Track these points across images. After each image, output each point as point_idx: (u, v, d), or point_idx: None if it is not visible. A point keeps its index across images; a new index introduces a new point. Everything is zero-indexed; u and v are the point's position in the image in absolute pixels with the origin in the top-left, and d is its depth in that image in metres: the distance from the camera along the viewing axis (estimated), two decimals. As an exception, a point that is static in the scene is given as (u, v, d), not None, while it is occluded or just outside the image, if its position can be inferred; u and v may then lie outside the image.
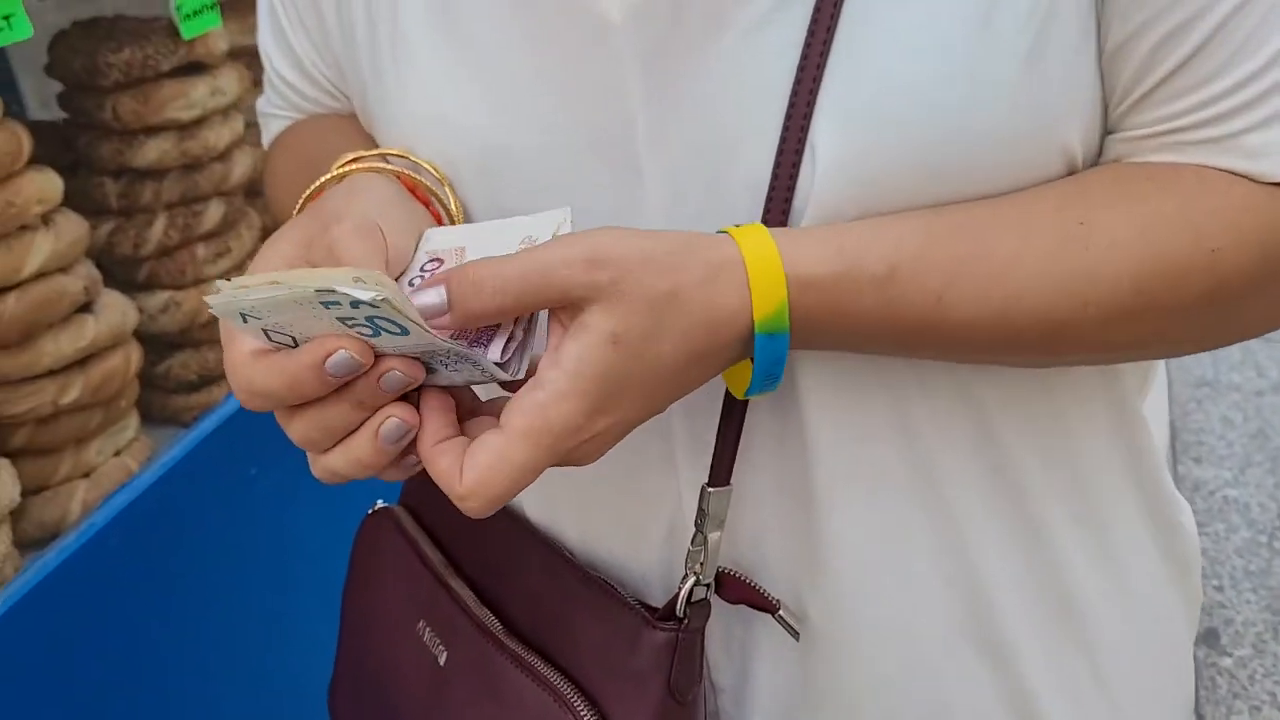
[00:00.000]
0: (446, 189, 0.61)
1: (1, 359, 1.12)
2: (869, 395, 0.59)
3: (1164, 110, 0.53)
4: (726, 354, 0.52)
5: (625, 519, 0.66)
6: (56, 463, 1.21)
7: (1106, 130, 0.56)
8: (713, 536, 0.59)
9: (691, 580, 0.60)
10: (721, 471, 0.58)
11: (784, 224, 0.53)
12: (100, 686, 1.16)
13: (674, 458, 0.63)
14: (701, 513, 0.59)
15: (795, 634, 0.63)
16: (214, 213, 1.37)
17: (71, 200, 1.18)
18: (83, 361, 1.19)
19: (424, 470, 0.75)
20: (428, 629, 0.70)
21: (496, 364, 0.50)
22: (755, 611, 0.63)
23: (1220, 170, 0.53)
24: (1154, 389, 0.68)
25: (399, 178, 0.60)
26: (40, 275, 1.12)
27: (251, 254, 1.44)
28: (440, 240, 0.56)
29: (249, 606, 1.36)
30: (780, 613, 0.62)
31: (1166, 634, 0.70)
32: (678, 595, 0.60)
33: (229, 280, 0.47)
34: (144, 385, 1.32)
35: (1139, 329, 0.53)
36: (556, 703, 0.62)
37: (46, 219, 1.14)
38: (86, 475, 1.23)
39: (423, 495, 0.76)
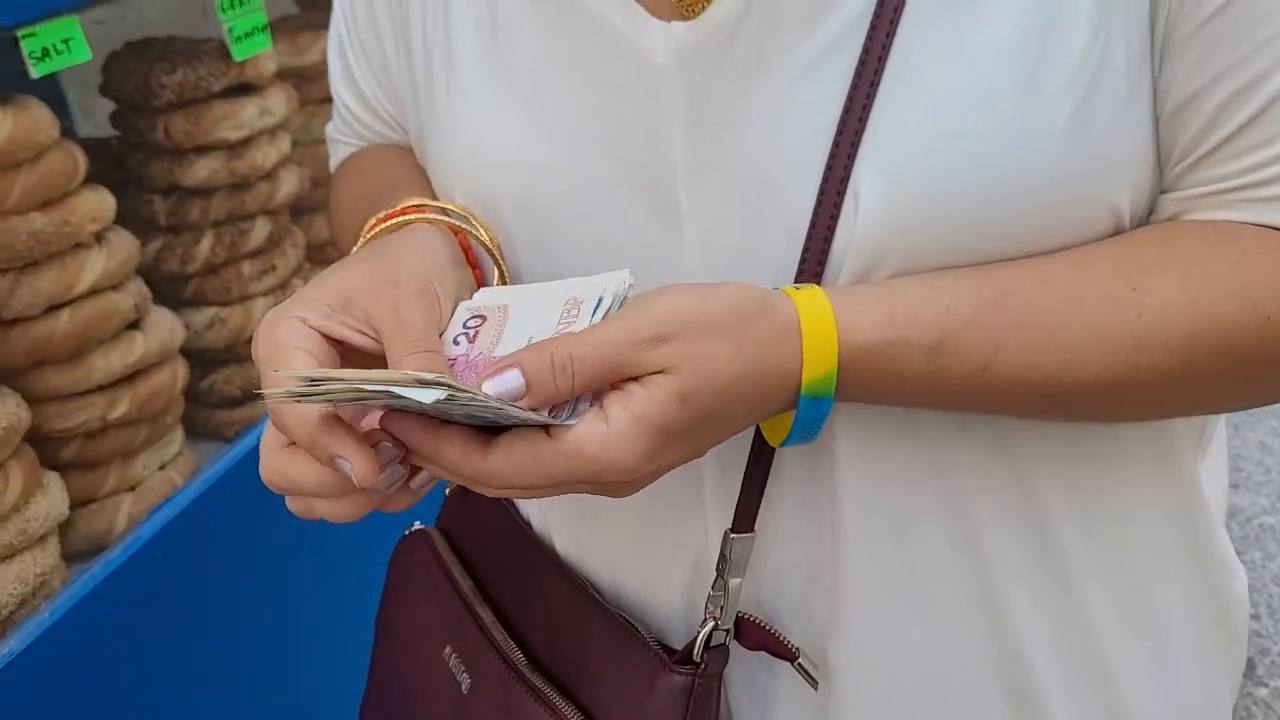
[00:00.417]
0: (497, 253, 0.63)
1: (53, 374, 1.14)
2: (903, 444, 0.59)
3: (1227, 168, 0.53)
4: (774, 409, 0.53)
5: (651, 559, 0.66)
6: (103, 476, 1.23)
7: (1161, 189, 0.56)
8: (733, 582, 0.59)
9: (710, 625, 0.60)
10: (746, 517, 0.58)
11: (820, 271, 0.54)
12: (143, 697, 1.17)
13: (702, 501, 0.63)
14: (723, 558, 0.59)
15: (814, 683, 0.63)
16: (260, 231, 1.39)
17: (120, 218, 1.20)
18: (131, 377, 1.21)
19: (458, 495, 0.77)
20: (454, 655, 0.71)
21: (561, 422, 0.51)
22: (774, 658, 0.63)
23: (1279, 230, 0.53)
24: (1215, 446, 0.67)
25: (456, 234, 0.62)
26: (92, 292, 1.14)
27: (295, 272, 1.46)
28: (483, 298, 0.57)
29: (287, 620, 1.38)
30: (799, 661, 0.62)
31: (1205, 705, 0.68)
32: (695, 639, 0.60)
33: (288, 371, 0.49)
34: (188, 400, 1.34)
35: (1188, 392, 0.53)
36: None
37: (99, 237, 1.16)
38: (132, 489, 1.25)
39: (458, 519, 0.77)
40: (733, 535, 0.58)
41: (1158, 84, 0.53)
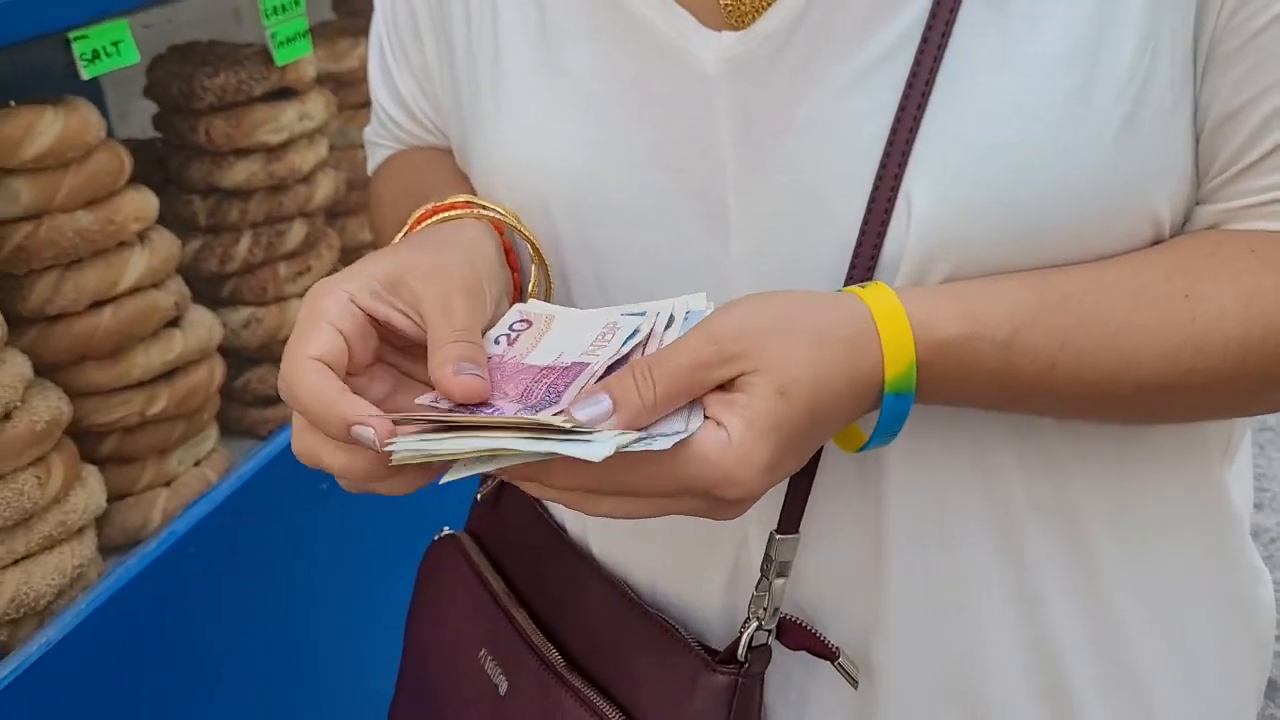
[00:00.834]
0: (542, 255, 0.63)
1: (94, 370, 1.16)
2: (948, 447, 0.60)
3: (1269, 180, 0.54)
4: (863, 407, 0.53)
5: (691, 561, 0.67)
6: (140, 471, 1.25)
7: (1196, 200, 0.57)
8: (777, 583, 0.60)
9: (754, 625, 0.60)
10: (792, 518, 0.59)
11: (868, 278, 0.55)
12: (175, 688, 1.19)
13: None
14: (768, 559, 0.60)
15: (854, 682, 0.63)
16: (296, 233, 1.41)
17: (161, 218, 1.23)
18: (169, 374, 1.23)
19: (489, 500, 0.77)
20: (489, 658, 0.71)
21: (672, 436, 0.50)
22: (815, 658, 0.63)
23: None
24: (1241, 454, 0.68)
25: (500, 232, 0.63)
26: (134, 290, 1.16)
27: (330, 273, 1.48)
28: (536, 306, 0.58)
29: (317, 618, 1.39)
30: (840, 660, 0.62)
31: (1230, 710, 0.69)
32: (739, 639, 0.60)
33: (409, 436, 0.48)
34: (222, 398, 1.36)
35: (1238, 394, 0.55)
36: None
37: (142, 236, 1.18)
38: (168, 484, 1.27)
39: (489, 524, 0.78)
40: (778, 536, 0.59)
41: (1199, 97, 0.54)
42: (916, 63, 0.53)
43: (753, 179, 0.57)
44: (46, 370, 1.12)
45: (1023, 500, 0.61)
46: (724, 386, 0.51)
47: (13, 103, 1.06)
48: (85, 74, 1.06)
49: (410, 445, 0.47)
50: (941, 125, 0.53)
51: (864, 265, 0.55)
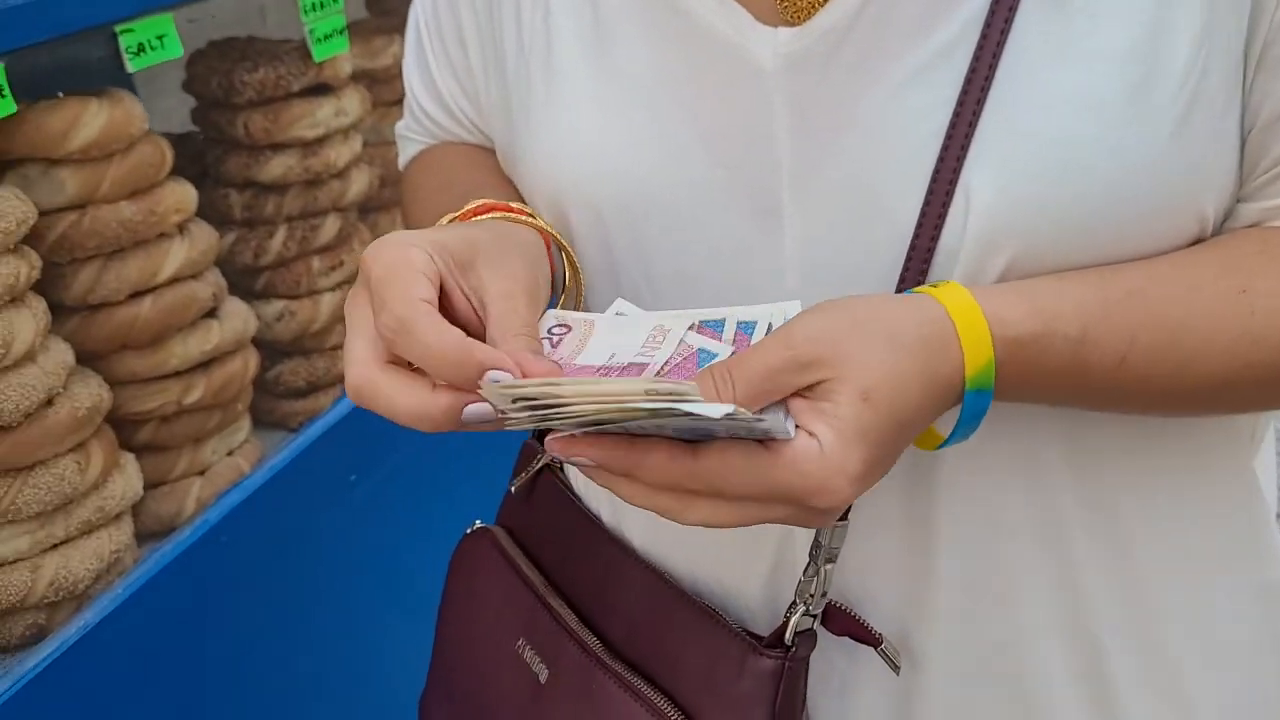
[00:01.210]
0: (573, 275, 0.63)
1: (133, 359, 1.18)
2: (999, 440, 0.60)
3: None
4: (945, 405, 0.53)
5: (734, 547, 0.67)
6: (174, 460, 1.26)
7: (1239, 197, 0.58)
8: (826, 568, 0.61)
9: (801, 609, 0.61)
10: None
11: (925, 271, 0.56)
12: (207, 673, 1.21)
13: None
14: (817, 545, 0.60)
15: (896, 668, 0.64)
16: (330, 227, 1.43)
17: (198, 211, 1.24)
18: (205, 364, 1.25)
19: (522, 492, 0.78)
20: (527, 647, 0.72)
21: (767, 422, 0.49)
22: (856, 645, 0.64)
23: None
24: (1267, 445, 0.69)
25: (545, 240, 0.62)
26: (174, 281, 1.18)
27: (362, 268, 1.49)
28: (571, 314, 0.58)
29: (346, 606, 1.41)
30: (883, 646, 0.63)
31: (1260, 696, 0.70)
32: (786, 623, 0.61)
33: (498, 386, 0.48)
34: (254, 390, 1.38)
35: None
36: None
37: (182, 228, 1.20)
38: (201, 473, 1.29)
39: (522, 517, 0.78)
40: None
41: (1248, 98, 0.55)
42: (976, 57, 0.54)
43: (808, 175, 0.58)
44: (86, 359, 1.14)
45: (1067, 493, 0.62)
46: (807, 393, 0.50)
47: (61, 93, 1.07)
48: (130, 67, 1.08)
49: (534, 388, 0.46)
50: (1001, 119, 0.54)
51: (920, 259, 0.55)
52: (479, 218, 0.62)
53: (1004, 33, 0.54)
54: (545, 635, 0.71)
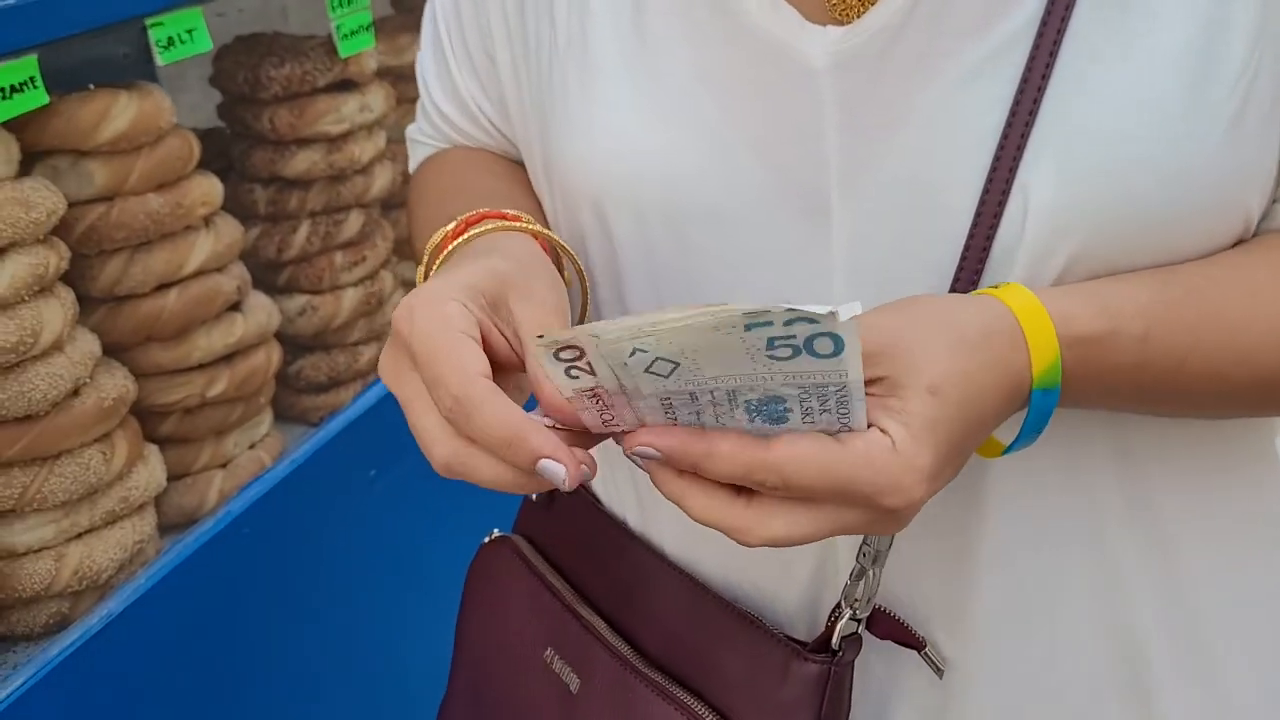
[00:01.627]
0: (581, 287, 0.63)
1: (158, 351, 1.19)
2: (1047, 447, 0.59)
3: None
4: (1008, 412, 0.52)
5: (773, 551, 0.65)
6: (197, 452, 1.27)
7: (1274, 198, 0.58)
8: (872, 572, 0.60)
9: (848, 613, 0.60)
10: None
11: (980, 269, 0.55)
12: (228, 663, 1.21)
13: None
14: (865, 547, 0.59)
15: (939, 671, 0.63)
16: (353, 223, 1.43)
17: (223, 205, 1.25)
18: (229, 357, 1.25)
19: (543, 500, 0.76)
20: (556, 657, 0.70)
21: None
22: (897, 648, 0.63)
23: None
24: None
25: (543, 245, 0.61)
26: (199, 273, 1.19)
27: (384, 264, 1.50)
28: (566, 331, 0.55)
29: (365, 599, 1.41)
30: (926, 650, 0.62)
31: None
32: (832, 627, 0.60)
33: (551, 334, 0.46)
34: (276, 384, 1.38)
35: None
36: None
37: (208, 221, 1.21)
38: (223, 466, 1.29)
39: (543, 525, 0.77)
40: None
41: None
42: (1032, 55, 0.54)
43: (858, 174, 0.58)
44: (112, 350, 1.15)
45: (1114, 498, 0.62)
46: (872, 389, 0.49)
47: (92, 86, 1.08)
48: (160, 60, 1.09)
49: (615, 334, 0.44)
50: (1058, 116, 0.54)
51: (975, 258, 0.55)
52: (475, 228, 0.60)
53: (1061, 30, 0.54)
54: (575, 645, 0.69)
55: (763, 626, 0.63)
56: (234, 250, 1.23)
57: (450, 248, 0.59)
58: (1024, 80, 0.54)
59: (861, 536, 0.59)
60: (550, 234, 0.61)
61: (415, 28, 1.58)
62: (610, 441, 0.52)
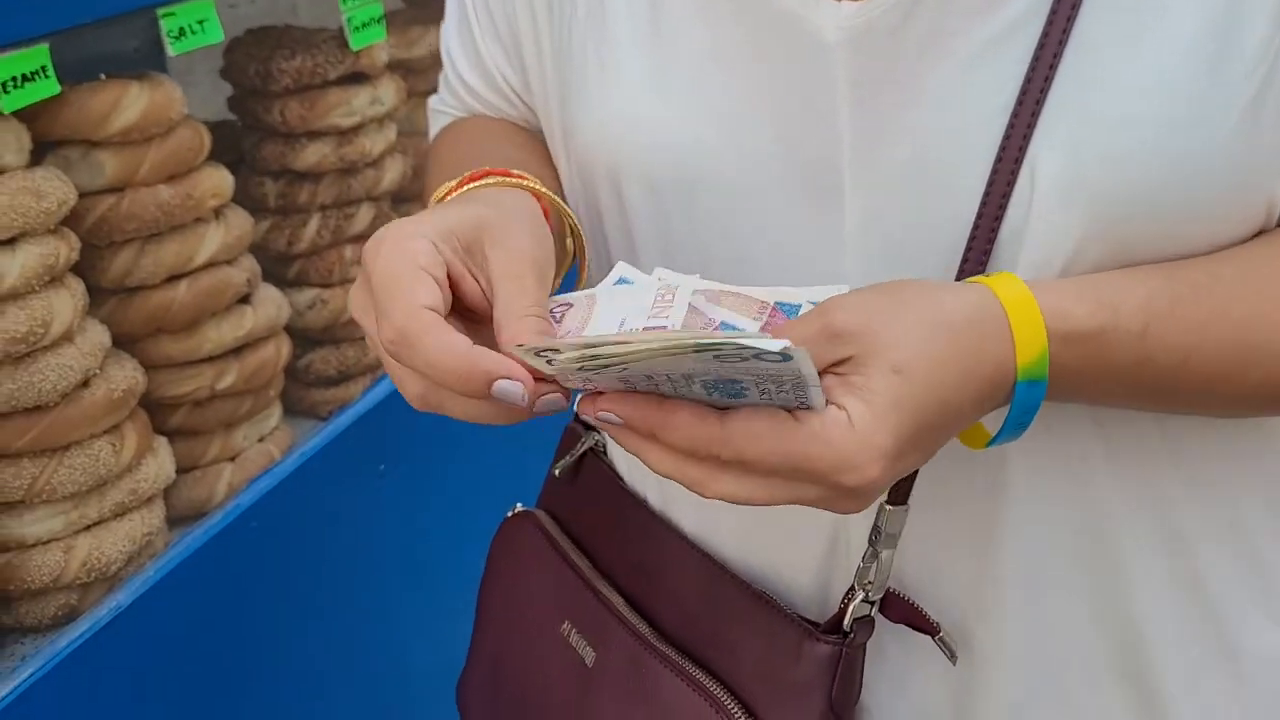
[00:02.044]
0: (579, 249, 0.63)
1: (168, 343, 1.18)
2: (1054, 436, 0.59)
3: None
4: (989, 404, 0.52)
5: (786, 532, 0.66)
6: (206, 445, 1.27)
7: None
8: (885, 554, 0.60)
9: (860, 595, 0.60)
10: (901, 489, 0.59)
11: (988, 250, 0.55)
12: (236, 654, 1.21)
13: None
14: (877, 530, 0.60)
15: (953, 657, 0.63)
16: (364, 216, 1.43)
17: (233, 198, 1.24)
18: (238, 350, 1.25)
19: (567, 476, 0.77)
20: (574, 630, 0.71)
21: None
22: (911, 635, 0.63)
23: None
24: None
25: (544, 207, 0.61)
26: (209, 265, 1.18)
27: (394, 258, 1.50)
28: (569, 294, 0.57)
29: (373, 592, 1.41)
30: (941, 635, 0.62)
31: None
32: (845, 609, 0.60)
33: (532, 345, 0.47)
34: (285, 378, 1.38)
35: None
36: (712, 708, 0.62)
37: (218, 212, 1.20)
38: (232, 459, 1.29)
39: (566, 500, 0.78)
40: (889, 507, 0.59)
41: None
42: (1045, 34, 0.53)
43: (870, 151, 0.58)
44: (122, 342, 1.15)
45: (1112, 486, 0.61)
46: (839, 368, 0.49)
47: (103, 75, 1.08)
48: (171, 50, 1.08)
49: (573, 354, 0.45)
50: (1068, 97, 0.53)
51: (984, 238, 0.55)
52: (477, 182, 0.60)
53: (1074, 10, 0.53)
54: (592, 619, 0.70)
55: (777, 607, 0.63)
56: (244, 242, 1.23)
57: (448, 200, 0.60)
58: (1034, 58, 0.54)
59: (872, 519, 0.60)
60: (552, 195, 0.61)
61: (427, 21, 1.58)
62: None
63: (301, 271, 1.42)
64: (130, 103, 1.08)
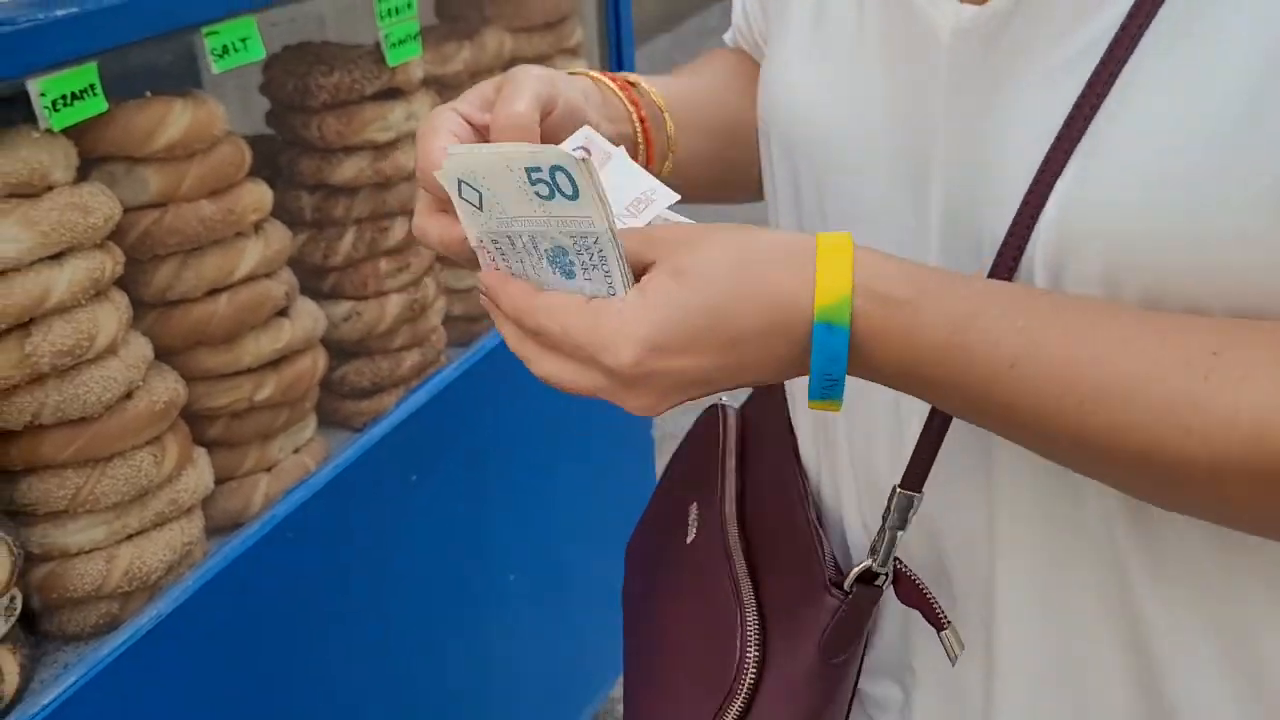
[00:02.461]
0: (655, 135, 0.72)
1: (208, 355, 1.20)
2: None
3: None
4: (794, 336, 0.53)
5: (860, 482, 0.71)
6: (243, 456, 1.28)
7: None
8: (890, 533, 0.62)
9: (866, 563, 0.64)
10: (915, 476, 0.61)
11: (1014, 268, 0.56)
12: (273, 661, 1.22)
13: (902, 444, 0.66)
14: (888, 509, 0.62)
15: (953, 658, 0.64)
16: (398, 230, 1.45)
17: (271, 211, 1.26)
18: (276, 362, 1.26)
19: (763, 390, 0.84)
20: (695, 512, 0.80)
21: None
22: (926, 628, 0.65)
23: None
24: None
25: (637, 113, 0.71)
26: (249, 279, 1.20)
27: (427, 271, 1.51)
28: (598, 141, 0.63)
29: (406, 601, 1.42)
30: (946, 633, 0.63)
31: None
32: (852, 570, 0.65)
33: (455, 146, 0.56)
34: (320, 389, 1.39)
35: (1259, 489, 0.49)
36: (738, 617, 0.68)
37: (258, 227, 1.22)
38: (269, 470, 1.30)
39: (758, 408, 0.85)
40: (900, 490, 0.61)
41: None
42: (1103, 62, 0.54)
43: (953, 150, 0.60)
44: (163, 354, 1.16)
45: (1109, 517, 0.61)
46: (640, 275, 0.55)
47: (148, 93, 1.10)
48: (215, 68, 1.10)
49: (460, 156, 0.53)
50: (1102, 134, 0.54)
51: (1011, 254, 0.56)
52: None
53: (1136, 37, 0.53)
54: (708, 509, 0.78)
55: (818, 550, 0.68)
56: (283, 256, 1.25)
57: None
58: (1087, 86, 0.54)
59: (890, 490, 0.62)
60: (643, 85, 0.73)
61: (460, 37, 1.59)
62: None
63: (337, 284, 1.44)
64: (174, 120, 1.10)
